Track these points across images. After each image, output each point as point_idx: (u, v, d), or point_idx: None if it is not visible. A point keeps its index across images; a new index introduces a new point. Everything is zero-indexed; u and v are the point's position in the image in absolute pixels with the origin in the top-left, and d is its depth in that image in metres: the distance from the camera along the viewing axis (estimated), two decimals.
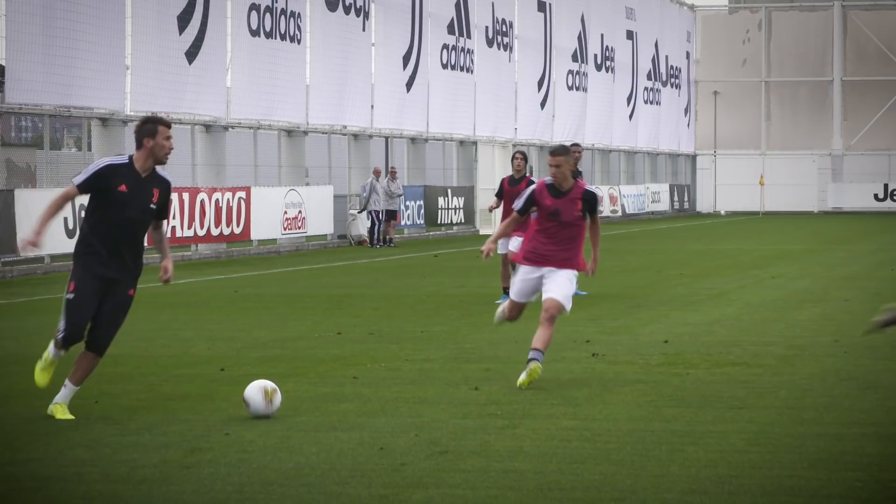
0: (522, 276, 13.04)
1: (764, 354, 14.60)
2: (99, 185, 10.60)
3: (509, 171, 21.98)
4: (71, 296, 10.61)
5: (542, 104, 56.99)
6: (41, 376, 11.01)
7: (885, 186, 72.42)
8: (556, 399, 11.81)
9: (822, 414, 11.03)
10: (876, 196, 72.23)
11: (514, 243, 20.86)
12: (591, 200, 13.01)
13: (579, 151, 23.34)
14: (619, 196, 63.57)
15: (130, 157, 10.75)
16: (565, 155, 13.06)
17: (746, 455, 9.45)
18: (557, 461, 9.23)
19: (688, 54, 75.09)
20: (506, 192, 21.12)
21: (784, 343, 15.76)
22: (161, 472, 8.89)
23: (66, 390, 10.83)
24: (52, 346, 10.94)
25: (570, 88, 59.74)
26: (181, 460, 9.24)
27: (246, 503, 8.11)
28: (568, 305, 12.84)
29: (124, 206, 10.60)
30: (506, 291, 20.77)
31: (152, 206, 10.75)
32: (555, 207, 12.92)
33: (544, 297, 12.80)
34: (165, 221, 11.10)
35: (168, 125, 10.84)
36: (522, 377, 12.46)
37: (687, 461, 9.25)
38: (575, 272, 13.00)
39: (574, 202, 12.93)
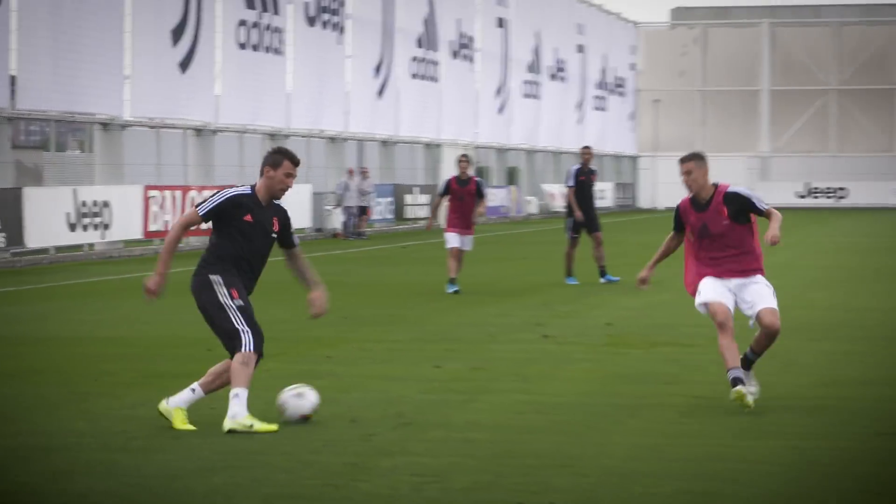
0: (715, 287, 10.40)
1: (696, 335, 14.64)
2: (224, 214, 9.42)
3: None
4: (240, 302, 9.33)
5: (501, 110, 57.01)
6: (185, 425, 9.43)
7: (806, 185, 72.88)
8: (511, 376, 11.83)
9: None
10: (798, 194, 72.66)
11: (456, 239, 20.57)
12: (735, 201, 10.15)
13: (590, 153, 23.15)
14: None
15: (253, 187, 9.55)
16: (696, 160, 10.29)
17: (679, 426, 9.50)
18: (511, 432, 9.26)
19: (632, 66, 75.19)
20: (453, 192, 20.95)
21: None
22: (154, 442, 8.88)
23: (239, 400, 9.24)
24: (185, 394, 9.51)
25: (525, 96, 59.78)
26: (172, 431, 9.23)
27: (230, 469, 8.11)
28: (777, 309, 10.24)
29: (251, 235, 9.45)
30: (451, 281, 20.44)
31: (273, 234, 9.54)
32: (701, 223, 10.33)
33: (754, 313, 10.34)
34: (297, 249, 9.72)
35: (295, 162, 9.47)
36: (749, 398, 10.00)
37: (627, 431, 9.30)
38: (763, 276, 10.34)
39: (719, 211, 10.24)
